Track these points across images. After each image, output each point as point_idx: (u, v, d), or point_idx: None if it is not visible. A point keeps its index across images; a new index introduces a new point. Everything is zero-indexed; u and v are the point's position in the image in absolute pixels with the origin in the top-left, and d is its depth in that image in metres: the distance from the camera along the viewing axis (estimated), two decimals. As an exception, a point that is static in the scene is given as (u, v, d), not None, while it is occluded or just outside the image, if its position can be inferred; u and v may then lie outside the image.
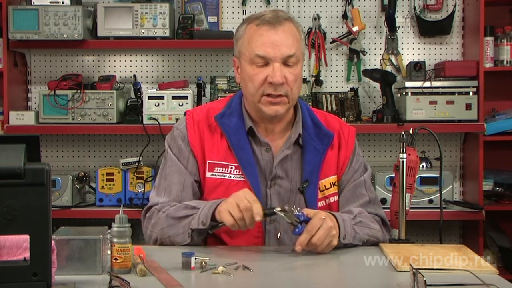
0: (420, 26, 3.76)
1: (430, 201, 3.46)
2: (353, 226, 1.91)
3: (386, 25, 3.71)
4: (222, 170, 2.01)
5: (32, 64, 3.84)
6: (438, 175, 2.13)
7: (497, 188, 3.71)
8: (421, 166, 3.49)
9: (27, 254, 1.40)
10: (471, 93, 3.49)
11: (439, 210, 2.10)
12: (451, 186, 3.55)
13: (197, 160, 2.04)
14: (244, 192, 1.82)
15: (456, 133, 3.78)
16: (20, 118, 3.54)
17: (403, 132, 1.97)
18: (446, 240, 3.66)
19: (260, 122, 2.06)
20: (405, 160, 1.94)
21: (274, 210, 1.81)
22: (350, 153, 2.09)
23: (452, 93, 3.50)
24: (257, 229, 1.98)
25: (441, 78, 3.59)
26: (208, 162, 2.03)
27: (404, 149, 1.95)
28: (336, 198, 2.07)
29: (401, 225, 1.95)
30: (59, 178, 3.48)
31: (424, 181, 3.44)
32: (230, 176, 2.01)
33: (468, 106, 3.47)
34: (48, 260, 1.35)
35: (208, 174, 2.03)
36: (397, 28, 3.72)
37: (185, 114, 2.12)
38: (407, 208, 1.96)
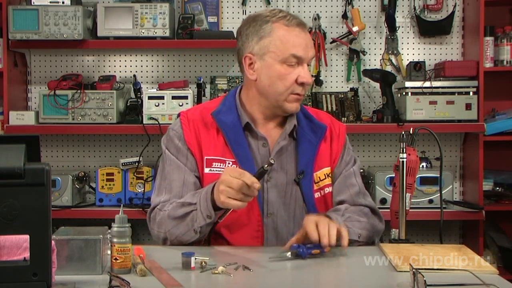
0: (420, 26, 3.76)
1: (430, 201, 3.46)
2: (344, 222, 1.94)
3: (386, 25, 3.71)
4: (220, 165, 2.03)
5: (32, 64, 3.84)
6: (438, 175, 2.13)
7: (497, 188, 3.71)
8: (421, 166, 3.49)
9: (27, 254, 1.40)
10: (471, 93, 3.49)
11: (439, 210, 2.10)
12: (451, 186, 3.54)
13: (195, 158, 2.05)
14: (226, 174, 1.79)
15: (456, 133, 3.77)
16: (20, 118, 3.54)
17: (403, 132, 1.97)
18: (446, 240, 3.66)
19: (264, 118, 2.09)
20: (405, 160, 1.95)
21: (263, 168, 1.79)
22: (341, 147, 2.14)
23: (452, 93, 3.50)
24: (256, 223, 2.02)
25: (441, 78, 3.59)
26: (206, 158, 2.04)
27: (404, 149, 1.95)
28: (330, 189, 2.11)
29: (401, 225, 1.95)
30: (59, 178, 3.48)
31: (424, 181, 3.44)
32: None
33: (468, 106, 3.47)
34: (48, 260, 1.35)
35: (206, 170, 2.04)
36: (397, 28, 3.71)
37: (178, 115, 2.14)
38: (407, 208, 1.96)
